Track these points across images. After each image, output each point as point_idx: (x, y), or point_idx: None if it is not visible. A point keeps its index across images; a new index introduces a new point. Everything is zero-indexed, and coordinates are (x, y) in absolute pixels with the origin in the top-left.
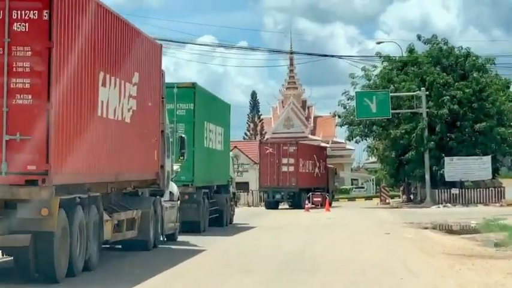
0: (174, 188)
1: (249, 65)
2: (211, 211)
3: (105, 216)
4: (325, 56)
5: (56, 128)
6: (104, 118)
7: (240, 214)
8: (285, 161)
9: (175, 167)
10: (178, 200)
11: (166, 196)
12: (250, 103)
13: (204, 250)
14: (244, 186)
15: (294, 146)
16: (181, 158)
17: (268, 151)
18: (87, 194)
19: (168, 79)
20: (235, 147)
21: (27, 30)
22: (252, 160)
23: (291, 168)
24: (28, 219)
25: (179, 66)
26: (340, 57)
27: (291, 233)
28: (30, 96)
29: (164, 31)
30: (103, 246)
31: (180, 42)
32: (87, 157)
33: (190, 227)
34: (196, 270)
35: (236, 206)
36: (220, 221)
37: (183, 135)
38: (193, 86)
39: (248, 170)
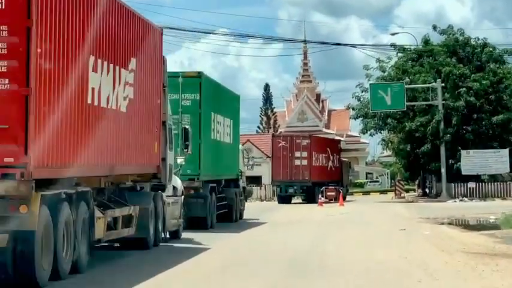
0: (177, 182)
1: (262, 57)
2: (219, 206)
3: (97, 213)
4: (338, 44)
5: (37, 116)
6: (96, 106)
7: (252, 209)
8: (297, 154)
9: (180, 160)
10: (182, 195)
11: (169, 191)
12: (263, 96)
13: (207, 249)
14: (257, 180)
15: (307, 139)
16: (185, 150)
17: (280, 144)
18: (75, 189)
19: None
20: (248, 140)
21: (3, 7)
22: (265, 154)
23: (304, 162)
24: (5, 217)
25: (193, 60)
26: (353, 46)
27: (302, 229)
28: (6, 81)
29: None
30: (100, 244)
31: (194, 32)
32: (74, 148)
33: (197, 224)
34: (194, 273)
35: (247, 200)
36: (229, 217)
37: (187, 127)
38: (199, 75)
39: (261, 163)
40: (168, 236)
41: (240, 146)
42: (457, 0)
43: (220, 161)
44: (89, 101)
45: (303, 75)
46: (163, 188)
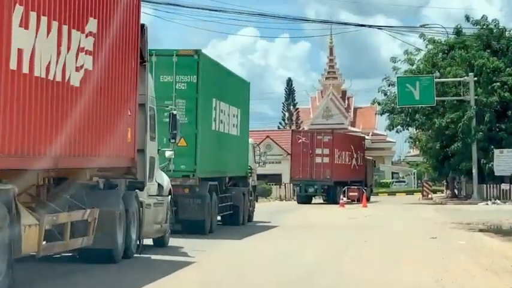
0: (163, 179)
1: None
2: (222, 207)
3: (27, 220)
4: (362, 26)
5: None
6: (26, 75)
7: (268, 209)
8: (319, 151)
9: (168, 153)
10: (169, 194)
11: (153, 190)
12: (285, 91)
13: (189, 263)
14: (276, 178)
15: (329, 135)
16: (172, 141)
17: (300, 140)
18: None
19: None
20: (268, 136)
21: None
22: (285, 151)
23: (326, 160)
24: None
25: (220, 59)
26: (379, 27)
27: (316, 237)
28: None
29: (205, 23)
30: (55, 256)
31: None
32: None
33: (194, 227)
34: None
35: (257, 200)
36: (235, 219)
37: (175, 112)
38: (196, 53)
39: (281, 161)
40: (142, 244)
41: (251, 140)
42: (487, 1)
43: (223, 156)
44: (13, 66)
45: (328, 72)
46: (141, 187)
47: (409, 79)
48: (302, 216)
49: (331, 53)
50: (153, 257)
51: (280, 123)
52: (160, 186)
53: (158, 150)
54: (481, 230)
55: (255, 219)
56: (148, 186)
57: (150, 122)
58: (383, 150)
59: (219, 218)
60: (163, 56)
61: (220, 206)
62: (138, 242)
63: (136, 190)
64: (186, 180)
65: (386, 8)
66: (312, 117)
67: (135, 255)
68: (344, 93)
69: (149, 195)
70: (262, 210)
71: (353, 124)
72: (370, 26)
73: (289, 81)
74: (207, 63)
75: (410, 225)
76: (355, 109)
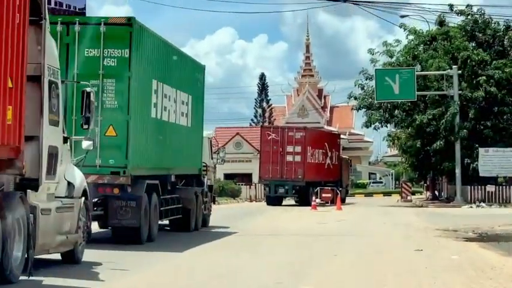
0: (75, 176)
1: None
2: (167, 211)
3: None
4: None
5: None
6: None
7: (233, 211)
8: (290, 149)
9: (86, 143)
10: (84, 196)
11: (61, 190)
12: (258, 86)
13: None
14: (246, 178)
15: (301, 132)
16: (85, 127)
17: (270, 137)
18: None
19: None
20: (238, 133)
21: None
22: (256, 149)
23: (297, 158)
24: None
25: (198, 58)
26: (355, 3)
27: (276, 248)
28: None
29: (183, 23)
30: None
31: None
32: None
33: (127, 236)
34: None
35: (215, 202)
36: (185, 225)
37: (88, 89)
38: (129, 22)
39: (251, 159)
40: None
41: (207, 132)
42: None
43: (168, 150)
44: None
45: (304, 70)
46: (34, 186)
47: (388, 72)
48: (268, 220)
49: (307, 50)
50: (47, 280)
51: (252, 120)
52: (71, 185)
53: (67, 138)
54: (471, 239)
55: (213, 223)
56: (48, 186)
57: (52, 101)
58: (360, 150)
59: (166, 222)
60: (88, 25)
61: (164, 209)
62: (27, 260)
63: (28, 190)
64: (115, 179)
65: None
66: (287, 115)
67: (21, 277)
68: (320, 91)
69: (56, 197)
70: (226, 212)
71: (329, 123)
72: (346, 1)
73: (262, 77)
74: (145, 36)
75: (390, 233)
76: (332, 108)
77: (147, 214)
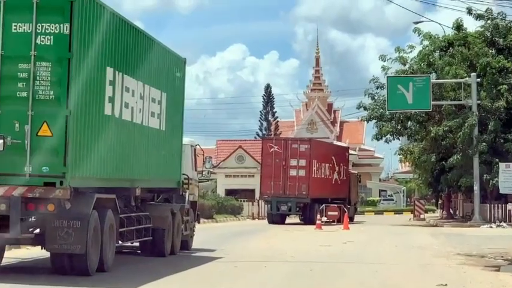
0: None
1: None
2: (131, 232)
3: None
4: None
5: None
6: None
7: (228, 230)
8: (294, 162)
9: None
10: None
11: None
12: (263, 98)
13: None
14: (249, 194)
15: (306, 144)
16: None
17: (272, 149)
18: None
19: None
20: (240, 147)
21: None
22: (259, 162)
23: (302, 172)
24: None
25: (208, 74)
26: None
27: (261, 282)
28: None
29: (194, 39)
30: None
31: None
32: None
33: (71, 265)
34: None
35: (199, 221)
36: (158, 248)
37: None
38: None
39: (254, 174)
40: None
41: (189, 139)
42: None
43: (131, 157)
44: None
45: (314, 84)
46: None
47: (401, 79)
48: (264, 241)
49: (317, 64)
50: None
51: (257, 133)
52: None
53: None
54: (504, 269)
55: (200, 244)
56: None
57: None
58: (370, 166)
59: (137, 244)
60: None
61: (126, 230)
62: None
63: None
64: (50, 191)
65: (376, 27)
66: (295, 130)
67: None
68: (330, 106)
69: None
70: (221, 231)
71: (339, 138)
72: None
73: (267, 88)
74: (93, 8)
75: (403, 259)
76: (342, 123)
77: (98, 237)
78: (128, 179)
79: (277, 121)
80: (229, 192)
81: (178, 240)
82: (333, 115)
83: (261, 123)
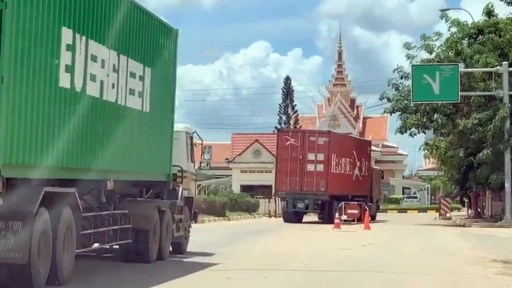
0: None
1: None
2: (102, 235)
3: None
4: None
5: None
6: None
7: (241, 229)
8: (311, 156)
9: None
10: None
11: None
12: (282, 91)
13: None
14: (265, 190)
15: (325, 137)
16: None
17: (289, 142)
18: None
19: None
20: (257, 141)
21: None
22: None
23: (320, 167)
24: None
25: (232, 71)
26: None
27: None
28: None
29: (217, 36)
30: None
31: None
32: None
33: (10, 277)
34: None
35: (196, 220)
36: (140, 253)
37: None
38: None
39: (271, 170)
40: None
41: (184, 125)
42: None
43: (102, 143)
44: None
45: (336, 78)
46: None
47: (427, 68)
48: (274, 243)
49: (339, 58)
50: None
51: (276, 127)
52: None
53: None
54: None
55: (199, 247)
56: None
57: None
58: (393, 163)
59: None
60: None
61: (93, 232)
62: None
63: None
64: None
65: (400, 24)
66: (317, 125)
67: None
68: (353, 101)
69: None
70: (230, 230)
71: (362, 134)
72: None
73: (287, 80)
74: None
75: (433, 267)
76: (365, 119)
77: (48, 242)
78: (95, 169)
79: (297, 114)
80: (245, 189)
81: (168, 243)
82: (355, 110)
83: (280, 117)
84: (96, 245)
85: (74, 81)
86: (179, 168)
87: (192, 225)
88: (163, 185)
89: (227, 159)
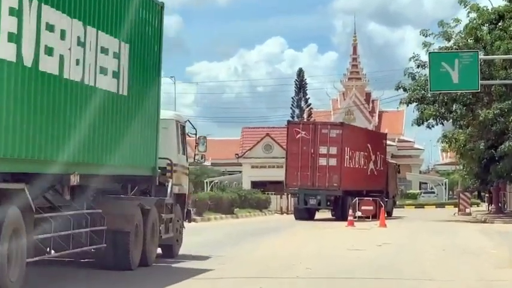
0: None
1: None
2: (65, 239)
3: None
4: None
5: None
6: None
7: (244, 228)
8: (323, 150)
9: None
10: None
11: None
12: (295, 84)
13: None
14: (277, 186)
15: (338, 129)
16: None
17: (299, 135)
18: None
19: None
20: (268, 135)
21: None
22: None
23: (333, 161)
24: None
25: (247, 67)
26: None
27: None
28: None
29: (232, 32)
30: None
31: None
32: None
33: None
34: None
35: (190, 220)
36: (119, 258)
37: None
38: None
39: (283, 165)
40: None
41: (173, 113)
42: None
43: (64, 130)
44: None
45: (351, 72)
46: None
47: (445, 55)
48: (281, 243)
49: (354, 52)
50: None
51: (289, 121)
52: None
53: None
54: None
55: (195, 249)
56: None
57: None
58: (410, 158)
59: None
60: None
61: (54, 236)
62: None
63: None
64: None
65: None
66: (332, 120)
67: None
68: (368, 95)
69: None
70: (236, 228)
71: (378, 129)
72: None
73: (300, 72)
74: None
75: (458, 272)
76: (381, 113)
77: None
78: (54, 161)
79: (311, 108)
80: (256, 185)
81: (154, 247)
82: (371, 105)
83: (293, 111)
84: (53, 252)
85: (21, 52)
86: (168, 161)
87: (185, 225)
88: (149, 180)
89: (237, 154)
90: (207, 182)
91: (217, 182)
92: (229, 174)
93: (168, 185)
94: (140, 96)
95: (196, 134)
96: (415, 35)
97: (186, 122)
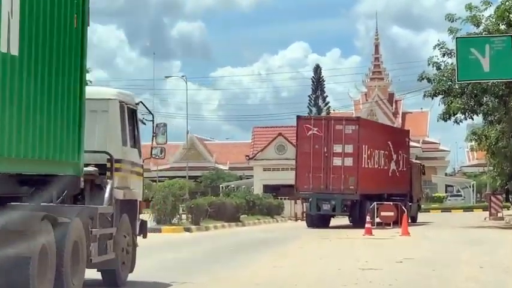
0: None
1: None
2: None
3: None
4: None
5: None
6: None
7: (242, 238)
8: (338, 148)
9: None
10: None
11: None
12: (312, 81)
13: None
14: (291, 190)
15: (354, 124)
16: None
17: (311, 132)
18: None
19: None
20: (280, 134)
21: None
22: None
23: (348, 161)
24: None
25: (270, 72)
26: None
27: None
28: None
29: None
30: None
31: None
32: None
33: None
34: None
35: (145, 235)
36: None
37: None
38: None
39: None
40: None
41: (115, 90)
42: None
43: None
44: None
45: (373, 72)
46: None
47: (474, 41)
48: (280, 259)
49: (376, 51)
50: None
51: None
52: None
53: None
54: None
55: (163, 271)
56: None
57: None
58: (435, 160)
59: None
60: None
61: None
62: None
63: None
64: None
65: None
66: None
67: None
68: (391, 96)
69: None
70: (229, 241)
71: None
72: None
73: (317, 69)
74: None
75: None
76: (404, 114)
77: None
78: None
79: (329, 107)
80: (268, 189)
81: (80, 275)
82: (394, 105)
83: (310, 110)
84: None
85: None
86: (108, 157)
87: (139, 241)
88: (73, 182)
89: (247, 156)
90: (222, 187)
91: (233, 187)
92: (247, 178)
93: (105, 189)
94: (46, 60)
95: (153, 121)
96: (438, 37)
97: (137, 104)
